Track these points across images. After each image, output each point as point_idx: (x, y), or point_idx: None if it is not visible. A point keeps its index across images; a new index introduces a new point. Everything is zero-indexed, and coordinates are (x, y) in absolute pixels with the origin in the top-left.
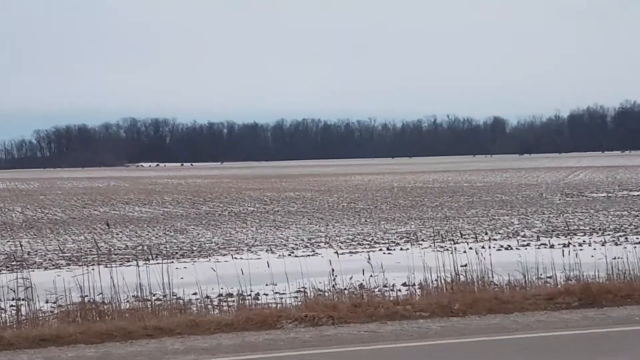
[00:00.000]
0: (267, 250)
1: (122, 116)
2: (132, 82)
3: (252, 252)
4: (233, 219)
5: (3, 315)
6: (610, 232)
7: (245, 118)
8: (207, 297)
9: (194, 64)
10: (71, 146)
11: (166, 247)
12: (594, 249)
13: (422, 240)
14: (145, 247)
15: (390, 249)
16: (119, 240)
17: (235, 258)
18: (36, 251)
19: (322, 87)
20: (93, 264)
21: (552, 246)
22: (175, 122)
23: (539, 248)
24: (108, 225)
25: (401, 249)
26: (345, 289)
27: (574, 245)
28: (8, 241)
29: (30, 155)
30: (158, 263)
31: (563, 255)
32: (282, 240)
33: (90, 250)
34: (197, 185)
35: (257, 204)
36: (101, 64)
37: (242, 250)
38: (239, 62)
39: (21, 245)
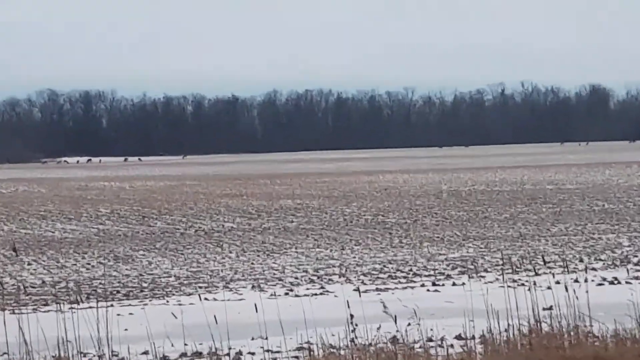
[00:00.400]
0: (253, 287)
1: (35, 88)
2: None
3: (230, 289)
4: (202, 241)
5: None
6: None
7: (219, 91)
8: (164, 357)
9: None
10: None
11: (102, 284)
12: None
13: (485, 270)
14: (72, 284)
15: (438, 284)
16: (32, 274)
17: (207, 299)
18: None
19: (336, 48)
20: None
21: None
22: (114, 97)
23: None
24: (15, 251)
25: (454, 284)
26: (370, 344)
27: None
28: None
29: None
30: (90, 307)
31: None
32: (276, 271)
33: None
34: (148, 191)
35: (238, 217)
36: None
37: (215, 286)
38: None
39: None
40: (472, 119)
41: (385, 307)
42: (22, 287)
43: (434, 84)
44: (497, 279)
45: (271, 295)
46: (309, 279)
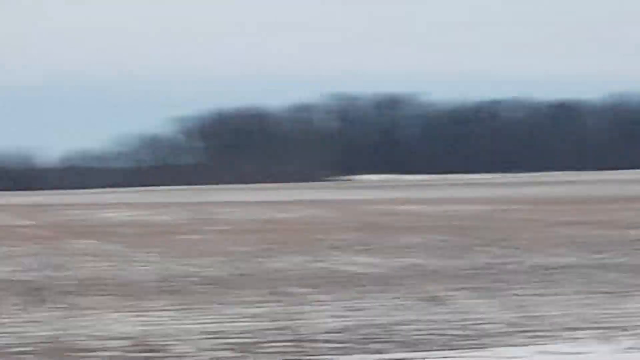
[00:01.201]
0: (599, 339)
1: (325, 89)
2: None
3: (570, 340)
4: (534, 279)
5: None
6: None
7: (548, 92)
8: None
9: None
10: (241, 146)
11: (412, 330)
12: None
13: None
14: (378, 330)
15: None
16: (325, 314)
17: (540, 352)
18: (182, 333)
19: None
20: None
21: None
22: (421, 101)
23: None
24: (296, 288)
25: None
26: None
27: None
28: (137, 315)
29: (170, 161)
30: (400, 359)
31: None
32: (627, 318)
33: (274, 333)
34: (466, 217)
35: (578, 250)
36: None
37: (551, 336)
38: None
39: (152, 325)
40: None
41: None
42: (317, 332)
43: None
44: None
45: (627, 349)
46: None
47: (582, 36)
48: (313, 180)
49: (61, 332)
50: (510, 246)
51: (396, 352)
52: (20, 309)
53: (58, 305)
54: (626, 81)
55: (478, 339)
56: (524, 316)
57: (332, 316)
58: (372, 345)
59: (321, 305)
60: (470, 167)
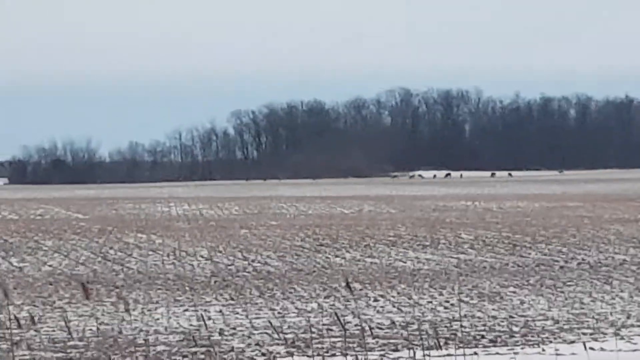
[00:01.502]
0: None
1: (386, 86)
2: None
3: (622, 337)
4: (586, 276)
5: None
6: None
7: (609, 90)
8: None
9: None
10: (295, 140)
11: (464, 326)
12: None
13: None
14: (427, 326)
15: None
16: (379, 312)
17: (592, 349)
18: (233, 328)
19: None
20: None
21: None
22: (480, 98)
23: None
24: (348, 284)
25: None
26: None
27: None
28: (188, 310)
29: (224, 156)
30: (449, 355)
31: None
32: None
33: (326, 327)
34: (520, 213)
35: (631, 248)
36: None
37: (603, 333)
38: None
39: (204, 319)
40: None
41: None
42: (367, 328)
43: None
44: None
45: None
46: None
47: None
48: (372, 176)
49: (108, 326)
50: (562, 243)
51: (446, 348)
52: (73, 302)
53: (106, 300)
54: None
55: (529, 336)
56: (575, 313)
57: (382, 311)
58: (420, 342)
59: (374, 301)
60: (526, 164)
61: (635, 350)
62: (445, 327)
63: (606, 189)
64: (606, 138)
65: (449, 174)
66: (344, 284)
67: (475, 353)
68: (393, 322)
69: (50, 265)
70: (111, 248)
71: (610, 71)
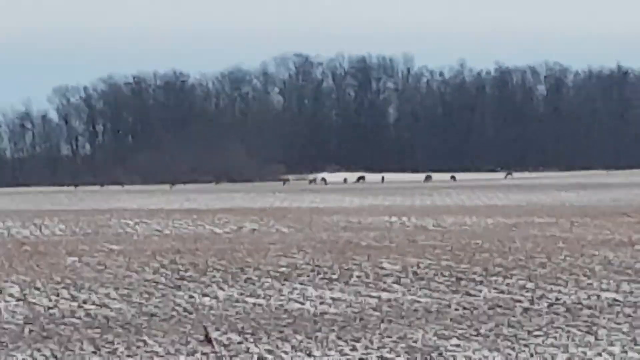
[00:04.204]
0: None
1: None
2: None
3: None
4: (561, 322)
5: None
6: None
7: None
8: None
9: None
10: (145, 129)
11: None
12: None
13: None
14: None
15: None
16: None
17: None
18: None
19: None
20: None
21: None
22: (410, 66)
23: None
24: (209, 338)
25: None
26: None
27: None
28: None
29: (43, 151)
30: None
31: None
32: None
33: None
34: (466, 233)
35: (624, 282)
36: None
37: None
38: None
39: None
40: None
41: None
42: None
43: None
44: None
45: None
46: None
47: None
48: (256, 181)
49: None
50: (526, 276)
51: None
52: None
53: None
54: None
55: None
56: None
57: None
58: None
59: None
60: (475, 163)
61: None
62: None
63: (589, 199)
64: (588, 126)
65: (361, 177)
66: (202, 338)
67: None
68: None
69: None
70: None
71: (596, 32)
